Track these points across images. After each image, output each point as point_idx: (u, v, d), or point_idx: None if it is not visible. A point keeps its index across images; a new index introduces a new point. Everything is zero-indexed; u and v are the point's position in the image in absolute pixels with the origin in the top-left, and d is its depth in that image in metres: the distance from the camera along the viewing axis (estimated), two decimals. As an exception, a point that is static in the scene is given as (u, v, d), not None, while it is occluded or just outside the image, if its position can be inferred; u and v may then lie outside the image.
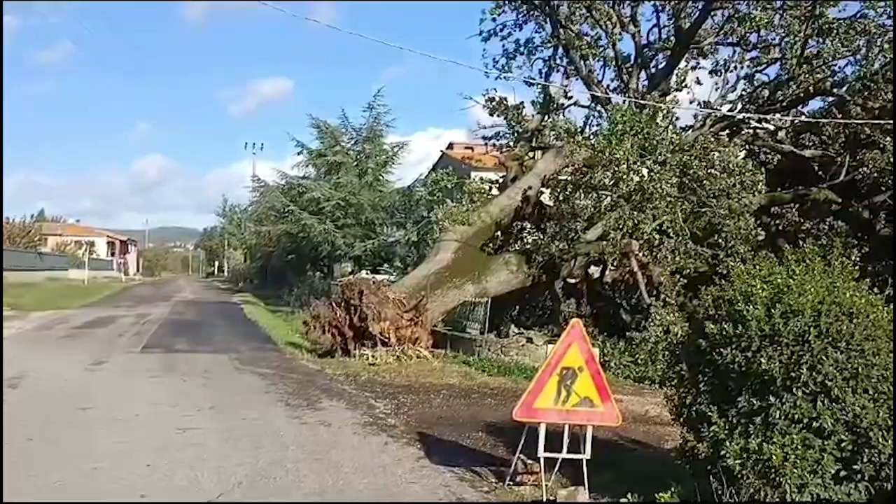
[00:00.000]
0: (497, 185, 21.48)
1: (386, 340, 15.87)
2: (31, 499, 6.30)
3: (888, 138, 16.64)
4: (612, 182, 16.87)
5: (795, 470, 5.17)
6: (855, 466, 5.23)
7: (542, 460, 6.66)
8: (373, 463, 7.74)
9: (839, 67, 18.94)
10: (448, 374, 14.20)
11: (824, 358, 5.26)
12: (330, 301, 17.50)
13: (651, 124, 16.37)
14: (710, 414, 5.66)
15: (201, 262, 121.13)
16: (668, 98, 21.11)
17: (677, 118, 19.46)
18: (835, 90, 18.77)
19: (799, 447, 5.23)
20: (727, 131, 20.46)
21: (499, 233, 20.76)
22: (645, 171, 17.69)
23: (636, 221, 17.12)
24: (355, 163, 36.91)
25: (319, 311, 17.14)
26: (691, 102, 21.97)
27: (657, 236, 18.14)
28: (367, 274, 30.65)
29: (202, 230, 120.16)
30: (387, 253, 34.57)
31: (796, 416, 5.32)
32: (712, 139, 17.34)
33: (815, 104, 20.93)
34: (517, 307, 21.53)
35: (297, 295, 32.44)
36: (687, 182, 17.59)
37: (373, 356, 15.44)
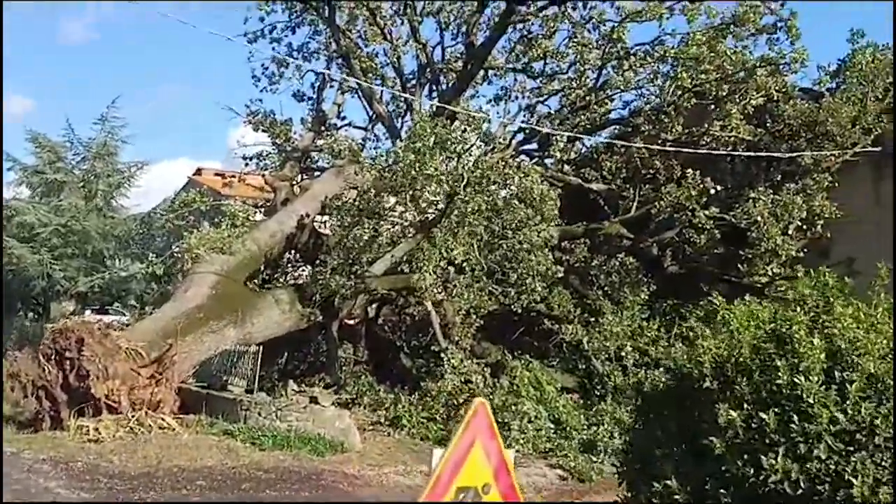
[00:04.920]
0: (264, 209, 18.18)
1: (115, 406, 11.89)
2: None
3: (689, 170, 16.00)
4: (409, 208, 14.49)
5: None
6: None
7: None
8: None
9: (636, 96, 18.29)
10: (205, 452, 10.57)
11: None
12: (37, 352, 13.02)
13: (459, 140, 14.20)
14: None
15: None
16: (454, 124, 19.33)
17: (490, 133, 17.64)
18: (632, 119, 18.03)
19: None
20: (515, 161, 19.06)
21: (264, 266, 17.46)
22: (441, 196, 15.57)
23: (431, 253, 14.84)
24: (81, 183, 31.21)
25: (20, 366, 12.69)
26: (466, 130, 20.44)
27: (451, 270, 16.05)
28: (92, 315, 25.77)
29: None
30: (118, 290, 29.48)
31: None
32: (515, 166, 15.61)
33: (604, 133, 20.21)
34: (285, 354, 18.29)
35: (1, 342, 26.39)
36: (484, 211, 15.70)
37: (96, 429, 11.36)
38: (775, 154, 15.91)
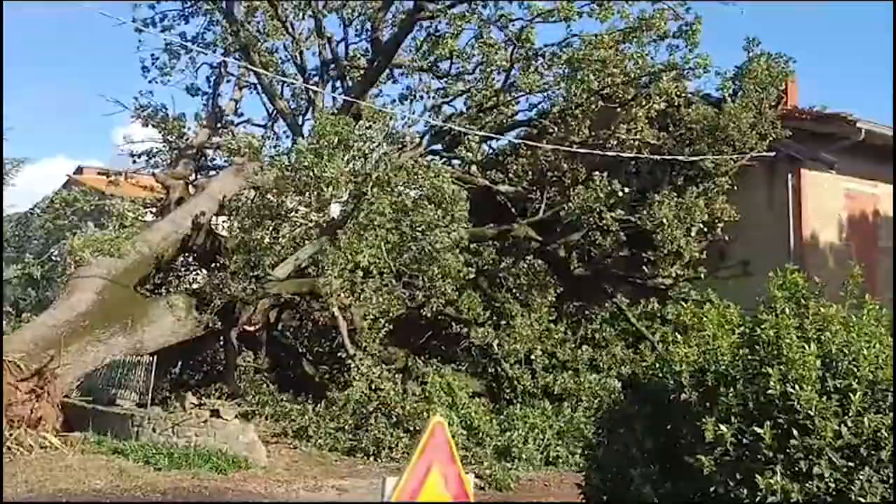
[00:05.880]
0: (156, 210, 17.04)
1: (-11, 425, 10.72)
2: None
3: (597, 173, 16.01)
4: (313, 208, 13.85)
5: None
6: None
7: None
8: None
9: (543, 98, 18.18)
10: (93, 473, 9.60)
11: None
12: None
13: (364, 139, 13.67)
14: None
15: None
16: (359, 122, 18.77)
17: (396, 132, 17.08)
18: (540, 121, 17.93)
19: None
20: (425, 160, 18.67)
21: (156, 269, 16.34)
22: (345, 195, 14.98)
23: (337, 255, 14.25)
24: (-52, 181, 28.72)
25: None
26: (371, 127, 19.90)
27: (359, 273, 15.48)
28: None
29: None
30: (-10, 295, 27.22)
31: None
32: (425, 165, 15.21)
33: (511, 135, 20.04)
34: (179, 363, 17.20)
35: None
36: (393, 212, 15.23)
37: (-34, 451, 10.19)
38: (679, 157, 16.17)
